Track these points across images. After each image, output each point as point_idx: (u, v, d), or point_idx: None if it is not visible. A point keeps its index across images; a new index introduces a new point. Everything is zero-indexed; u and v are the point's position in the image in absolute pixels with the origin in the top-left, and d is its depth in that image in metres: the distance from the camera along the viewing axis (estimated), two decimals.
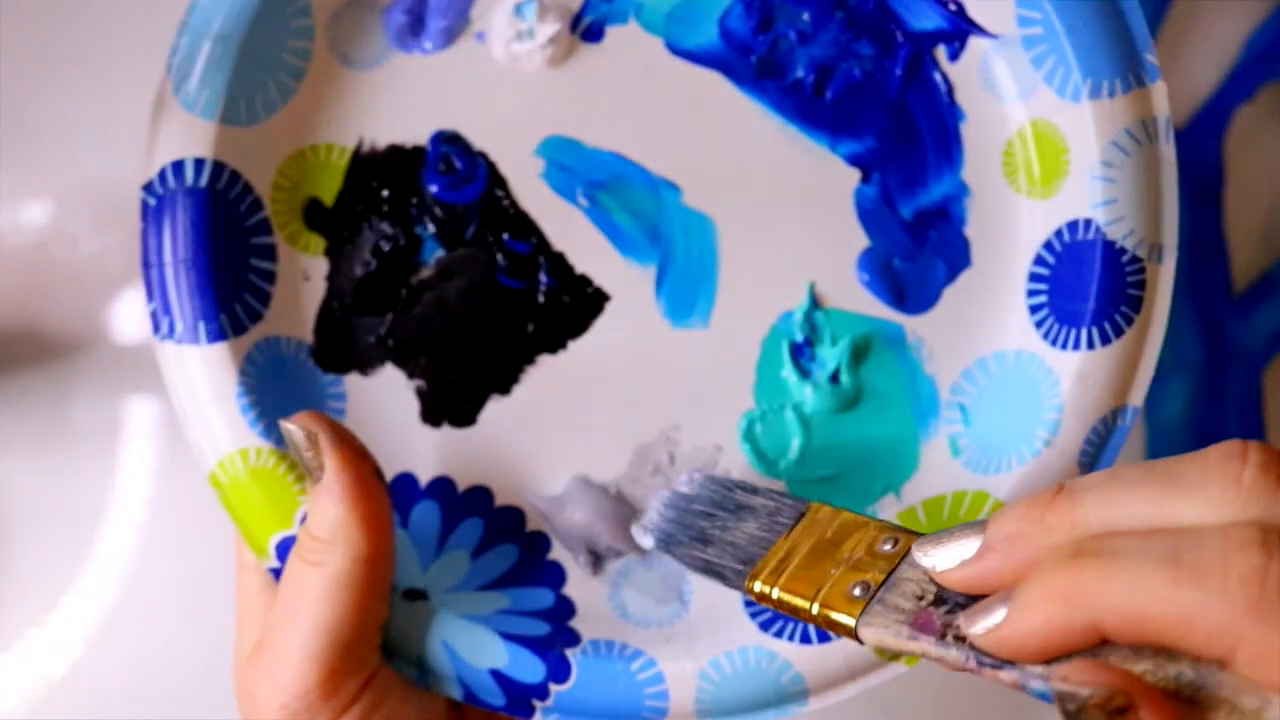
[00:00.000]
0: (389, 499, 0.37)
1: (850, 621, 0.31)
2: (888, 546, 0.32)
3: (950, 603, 0.30)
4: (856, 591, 0.32)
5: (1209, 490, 0.28)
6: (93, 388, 0.51)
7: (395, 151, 0.40)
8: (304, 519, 0.37)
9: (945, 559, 0.31)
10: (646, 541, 0.37)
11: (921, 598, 0.31)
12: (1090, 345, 0.38)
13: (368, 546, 0.36)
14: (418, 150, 0.40)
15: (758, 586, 0.33)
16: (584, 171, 0.40)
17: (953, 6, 0.39)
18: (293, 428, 0.36)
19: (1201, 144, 0.57)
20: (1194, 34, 0.57)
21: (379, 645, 0.37)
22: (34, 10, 0.51)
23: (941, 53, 0.40)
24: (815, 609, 0.32)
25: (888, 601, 0.31)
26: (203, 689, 0.45)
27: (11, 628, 0.51)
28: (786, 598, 0.33)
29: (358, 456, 0.36)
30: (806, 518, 0.34)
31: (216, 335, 0.38)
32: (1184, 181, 0.53)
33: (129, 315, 0.52)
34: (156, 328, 0.38)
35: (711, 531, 0.35)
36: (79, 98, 0.53)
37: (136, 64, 0.49)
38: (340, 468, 0.36)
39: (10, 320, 0.50)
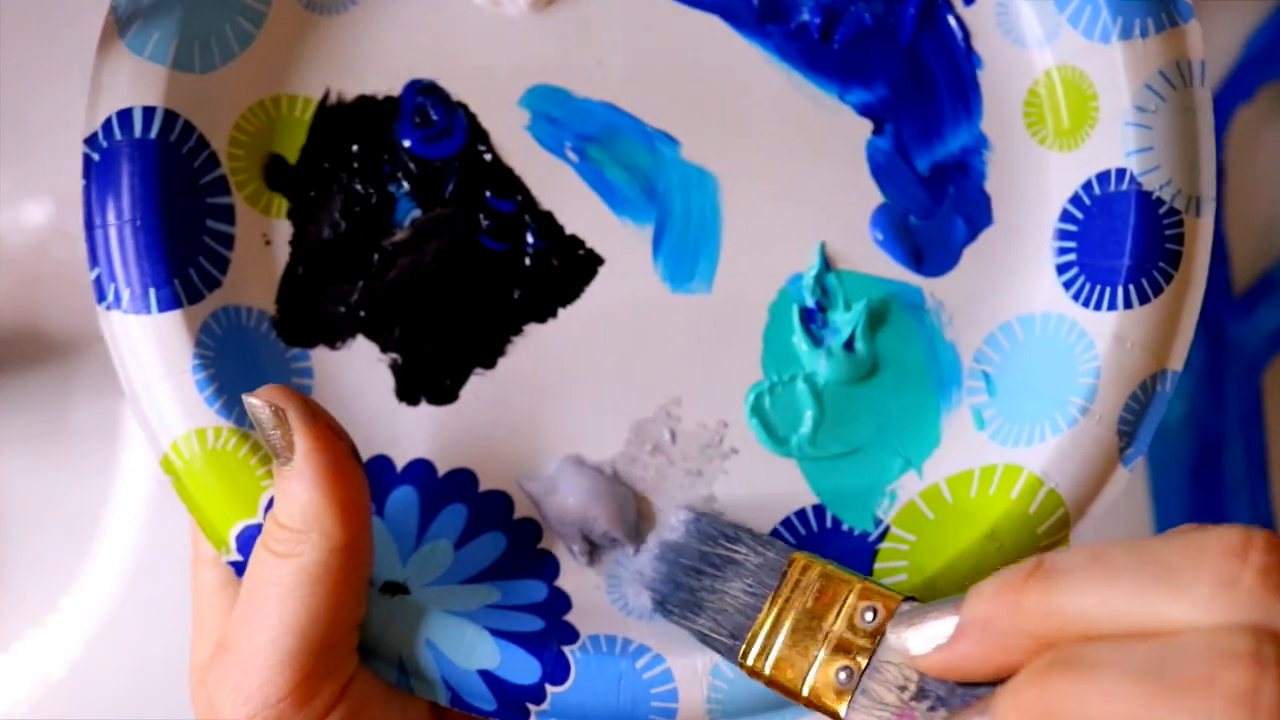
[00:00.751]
0: (366, 482, 0.33)
1: (840, 711, 0.31)
2: (869, 617, 0.31)
3: (932, 697, 0.29)
4: (842, 677, 0.31)
5: (1200, 591, 0.24)
6: (93, 388, 0.50)
7: (365, 103, 0.36)
8: (270, 506, 0.33)
9: (919, 643, 0.29)
10: (644, 601, 0.35)
11: (904, 688, 0.30)
12: (1127, 304, 0.35)
13: (344, 535, 0.32)
14: (390, 101, 0.36)
15: (750, 663, 0.32)
16: (573, 123, 0.36)
17: None
18: (258, 403, 0.32)
19: None
20: None
21: (356, 646, 0.33)
22: (34, 10, 0.50)
23: None
24: (805, 693, 0.31)
25: (871, 693, 0.30)
26: None
27: (11, 628, 0.50)
28: (777, 678, 0.32)
29: (332, 435, 0.32)
30: (790, 575, 0.33)
31: (169, 303, 0.34)
32: None
33: None
34: (102, 296, 0.34)
35: (701, 593, 0.33)
36: (79, 98, 0.52)
37: None
38: (313, 448, 0.32)
39: (10, 320, 0.50)
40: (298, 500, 0.32)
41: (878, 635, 0.31)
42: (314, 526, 0.32)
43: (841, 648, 0.31)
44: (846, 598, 0.32)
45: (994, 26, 0.37)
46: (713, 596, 0.33)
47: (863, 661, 0.31)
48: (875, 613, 0.31)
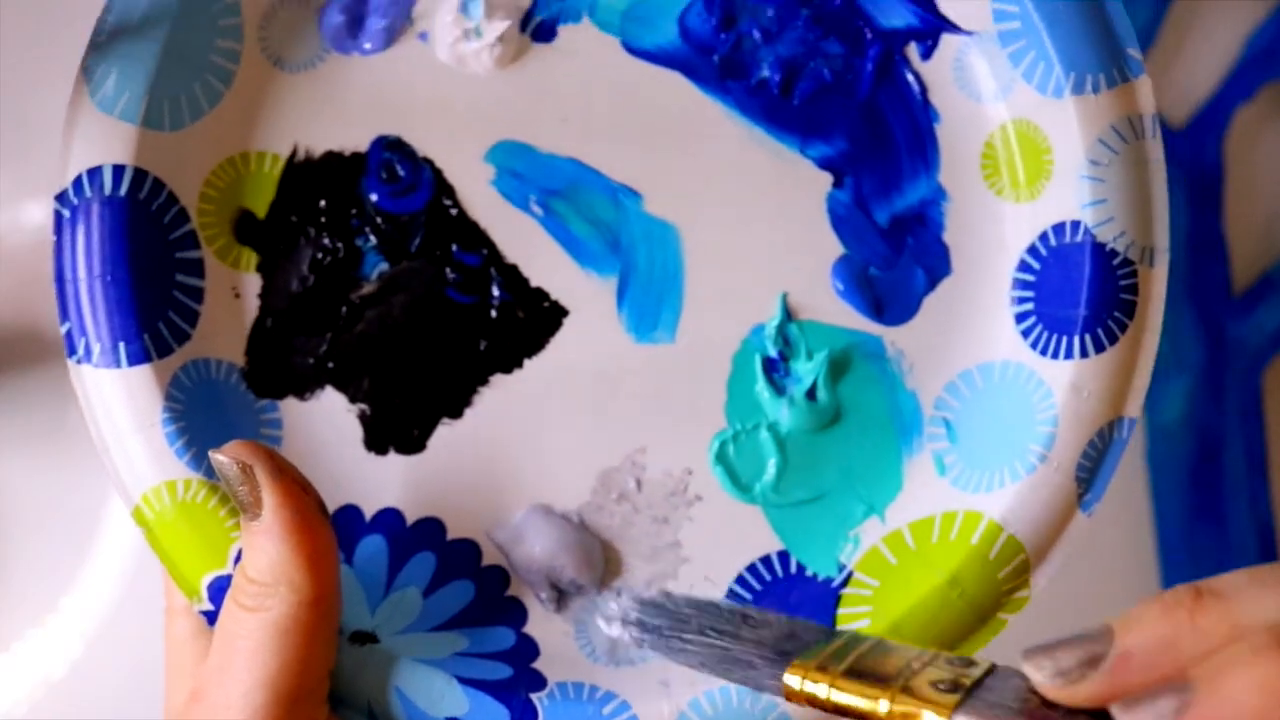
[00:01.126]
0: (333, 535, 0.33)
1: (942, 715, 0.27)
2: (954, 665, 0.29)
3: (1060, 710, 0.28)
4: (942, 688, 0.28)
5: None
6: None
7: (333, 158, 0.37)
8: (239, 559, 0.34)
9: (1066, 667, 0.28)
10: (616, 631, 0.33)
11: (1019, 707, 0.28)
12: (1084, 354, 0.36)
13: (312, 589, 0.32)
14: (357, 157, 0.37)
15: (798, 683, 0.29)
16: (537, 178, 0.37)
17: (924, 2, 0.37)
18: (224, 459, 0.33)
19: (1201, 144, 0.57)
20: (1194, 34, 0.57)
21: (326, 695, 0.34)
22: (34, 10, 0.50)
23: (913, 51, 0.38)
24: (885, 707, 0.28)
25: (985, 699, 0.28)
26: None
27: (11, 628, 0.50)
28: (842, 697, 0.28)
29: (299, 489, 0.33)
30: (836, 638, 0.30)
31: (139, 357, 0.35)
32: (1184, 181, 0.56)
33: None
34: (72, 350, 0.35)
35: (722, 627, 0.31)
36: None
37: None
38: (280, 503, 0.32)
39: (10, 320, 0.50)
40: (266, 555, 0.32)
41: (975, 675, 0.28)
42: (282, 580, 0.32)
43: (926, 676, 0.28)
44: (919, 655, 0.29)
45: (950, 81, 0.38)
46: (741, 631, 0.31)
47: (967, 680, 0.28)
48: (967, 663, 0.29)
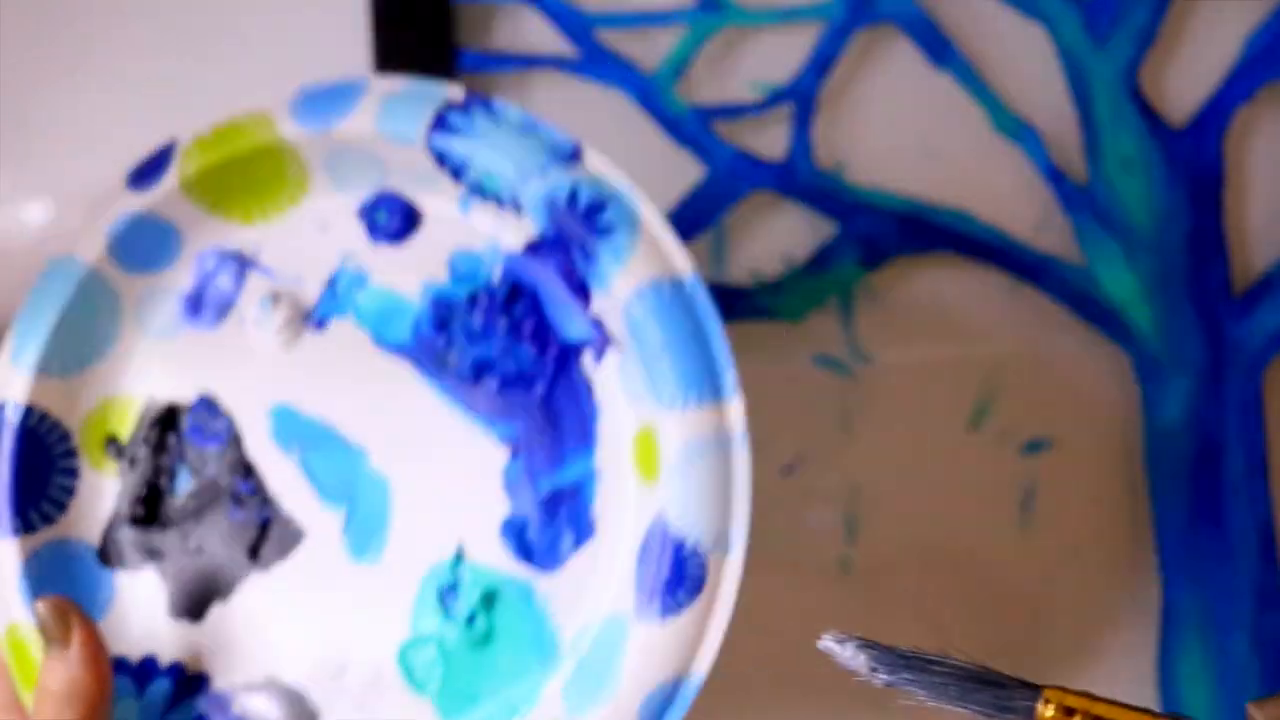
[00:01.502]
0: (110, 666, 0.47)
1: None
2: None
3: None
4: None
5: None
6: None
7: (170, 406, 0.51)
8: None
9: None
10: (860, 661, 0.37)
11: None
12: (662, 617, 0.45)
13: (98, 700, 0.46)
14: (184, 407, 0.51)
15: (1050, 713, 0.34)
16: (299, 433, 0.50)
17: (596, 321, 0.47)
18: (42, 607, 0.48)
19: (1201, 143, 0.59)
20: (1194, 34, 0.60)
21: None
22: (34, 10, 0.51)
23: (588, 356, 0.48)
24: None
25: None
26: None
27: None
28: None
29: (94, 632, 0.47)
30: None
31: (13, 533, 0.50)
32: (1184, 181, 0.59)
33: None
34: None
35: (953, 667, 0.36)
36: (79, 98, 0.54)
37: (135, 64, 0.56)
38: (83, 640, 0.47)
39: (10, 320, 0.51)
40: (67, 673, 0.47)
41: None
42: (75, 693, 0.47)
43: None
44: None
45: (613, 384, 0.48)
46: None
47: None
48: None
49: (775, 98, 0.61)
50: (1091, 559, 0.61)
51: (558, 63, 0.62)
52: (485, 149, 0.49)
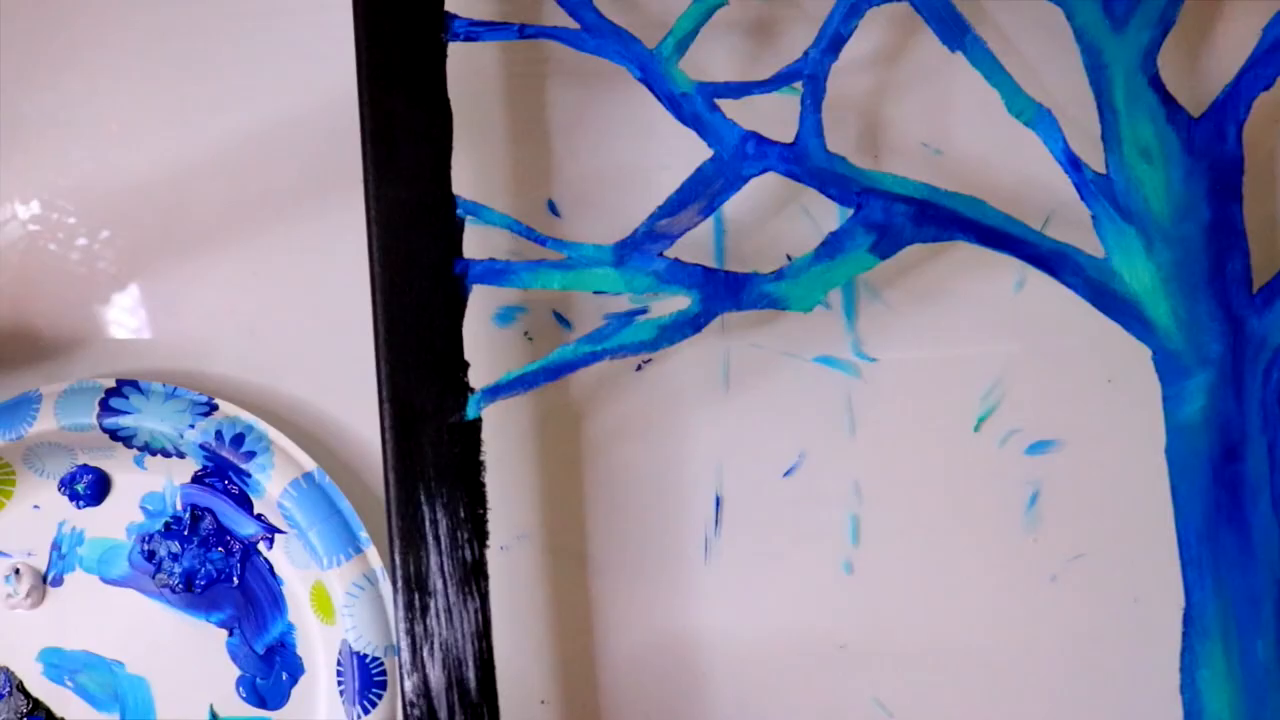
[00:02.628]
0: None
1: None
2: None
3: None
4: None
5: None
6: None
7: None
8: None
9: None
10: None
11: None
12: (365, 715, 0.62)
13: None
14: None
15: None
16: (67, 665, 0.66)
17: (260, 519, 0.65)
18: None
19: (1221, 132, 0.56)
20: (1213, 22, 0.58)
21: None
22: (32, 10, 0.51)
23: (263, 544, 0.65)
24: None
25: None
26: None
27: None
28: None
29: None
30: None
31: None
32: (1204, 170, 0.56)
33: (121, 311, 0.58)
34: None
35: None
36: (73, 97, 0.53)
37: (132, 64, 0.55)
38: None
39: (4, 318, 0.51)
40: None
41: None
42: None
43: None
44: None
45: (286, 560, 0.65)
46: None
47: None
48: None
49: (784, 77, 0.58)
50: (1103, 563, 0.60)
51: (556, 34, 0.58)
52: (144, 418, 0.65)
